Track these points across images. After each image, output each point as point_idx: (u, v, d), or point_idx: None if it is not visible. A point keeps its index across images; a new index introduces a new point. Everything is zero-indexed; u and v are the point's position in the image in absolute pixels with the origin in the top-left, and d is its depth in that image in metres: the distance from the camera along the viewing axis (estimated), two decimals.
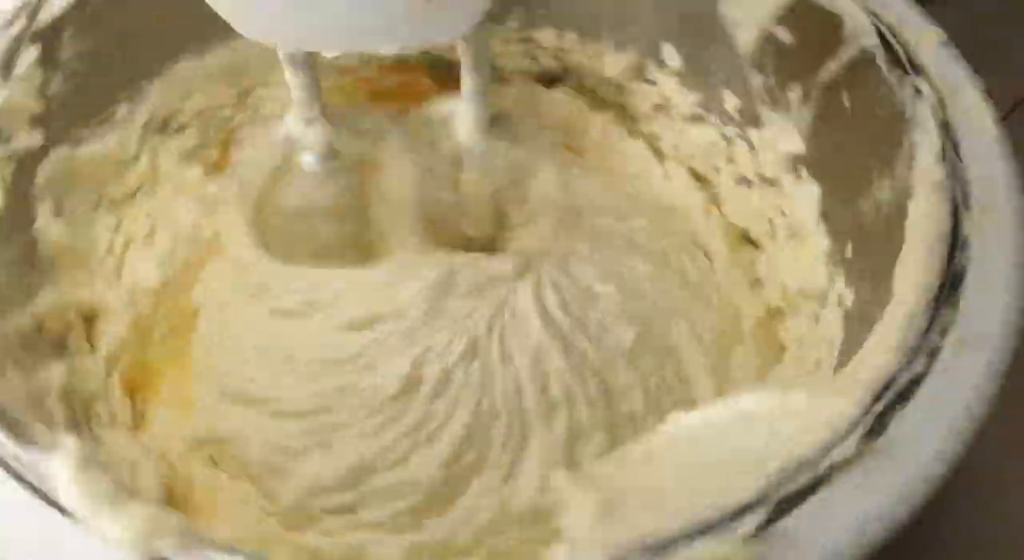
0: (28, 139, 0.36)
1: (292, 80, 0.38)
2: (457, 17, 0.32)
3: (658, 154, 0.47)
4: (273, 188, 0.42)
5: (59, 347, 0.36)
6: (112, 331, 0.38)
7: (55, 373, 0.34)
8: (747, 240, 0.44)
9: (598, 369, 0.39)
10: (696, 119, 0.45)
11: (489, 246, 0.44)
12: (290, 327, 0.40)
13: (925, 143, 0.32)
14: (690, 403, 0.39)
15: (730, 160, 0.44)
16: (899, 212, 0.33)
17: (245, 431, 0.38)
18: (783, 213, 0.42)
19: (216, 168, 0.45)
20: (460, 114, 0.40)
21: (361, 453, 0.37)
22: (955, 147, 0.32)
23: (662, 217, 0.45)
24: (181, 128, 0.44)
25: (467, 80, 0.38)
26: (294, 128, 0.40)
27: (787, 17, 0.38)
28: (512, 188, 0.43)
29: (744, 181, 0.44)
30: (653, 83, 0.45)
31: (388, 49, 0.33)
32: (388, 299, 0.40)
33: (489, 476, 0.37)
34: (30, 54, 0.36)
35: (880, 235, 0.34)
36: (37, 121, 0.37)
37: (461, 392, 0.38)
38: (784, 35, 0.38)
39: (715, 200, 0.45)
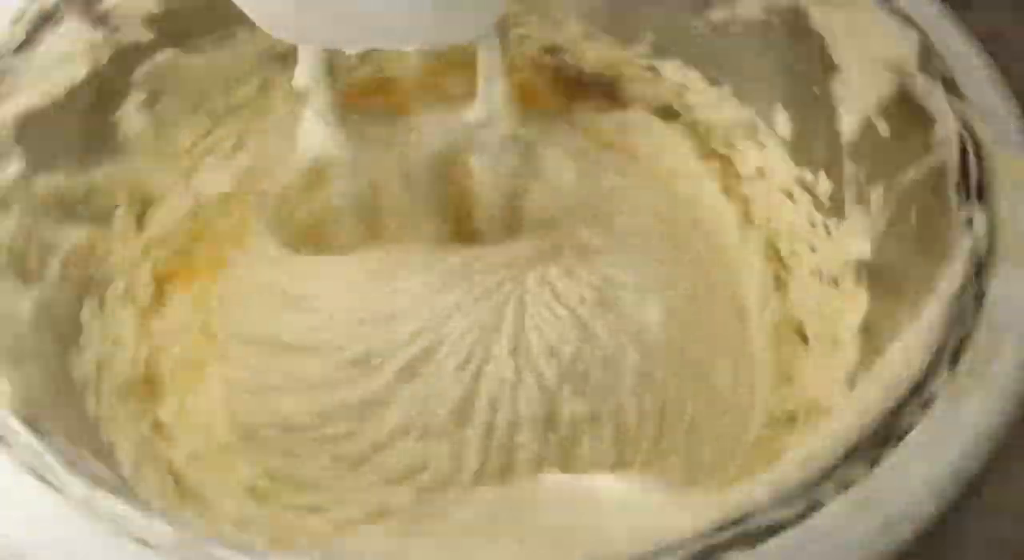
0: (137, 34, 0.38)
1: (311, 76, 0.39)
2: (474, 19, 0.33)
3: (748, 219, 0.44)
4: (291, 185, 0.42)
5: (99, 219, 0.38)
6: (162, 221, 0.40)
7: (77, 234, 0.36)
8: (798, 334, 0.41)
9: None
10: (790, 195, 0.43)
11: (503, 243, 0.43)
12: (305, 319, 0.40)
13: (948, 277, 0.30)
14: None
15: (812, 249, 0.42)
16: None
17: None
18: (829, 316, 0.39)
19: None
20: (475, 114, 0.40)
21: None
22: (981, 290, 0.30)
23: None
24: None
25: (482, 80, 0.38)
26: (310, 125, 0.41)
27: (890, 109, 0.35)
28: (526, 186, 0.43)
29: (817, 273, 0.42)
30: (763, 146, 0.43)
31: (407, 48, 0.34)
32: (395, 296, 0.40)
33: None
34: None
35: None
36: (152, 21, 0.39)
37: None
38: (883, 127, 0.36)
39: (782, 286, 0.43)
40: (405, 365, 0.38)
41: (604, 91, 0.47)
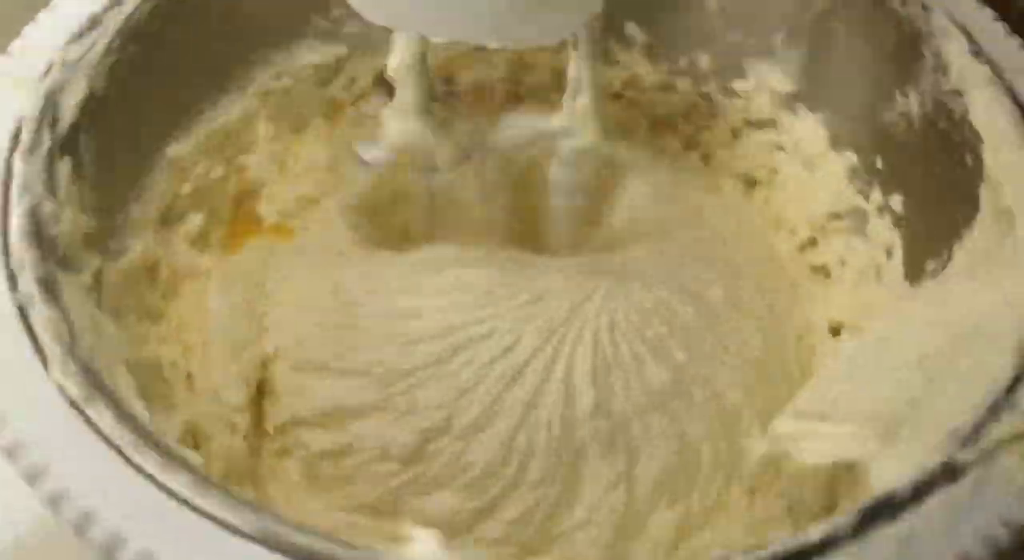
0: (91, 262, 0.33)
1: (401, 67, 0.39)
2: (563, 19, 0.33)
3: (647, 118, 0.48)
4: (368, 181, 0.42)
5: None
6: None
7: None
8: (753, 182, 0.47)
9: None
10: (668, 88, 0.47)
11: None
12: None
13: (955, 49, 0.36)
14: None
15: (713, 115, 0.47)
16: (946, 116, 0.37)
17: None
18: (784, 149, 0.45)
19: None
20: (559, 120, 0.40)
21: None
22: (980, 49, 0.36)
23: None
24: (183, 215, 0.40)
25: (570, 88, 0.39)
26: (393, 121, 0.40)
27: None
28: (601, 200, 0.43)
29: (736, 132, 0.46)
30: (617, 63, 0.47)
31: (493, 43, 0.34)
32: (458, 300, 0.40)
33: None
34: (64, 167, 0.32)
35: (919, 142, 0.39)
36: (90, 240, 0.33)
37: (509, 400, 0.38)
38: None
39: (708, 159, 0.48)
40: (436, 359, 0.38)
41: None
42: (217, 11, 0.40)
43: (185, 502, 0.25)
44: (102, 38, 0.34)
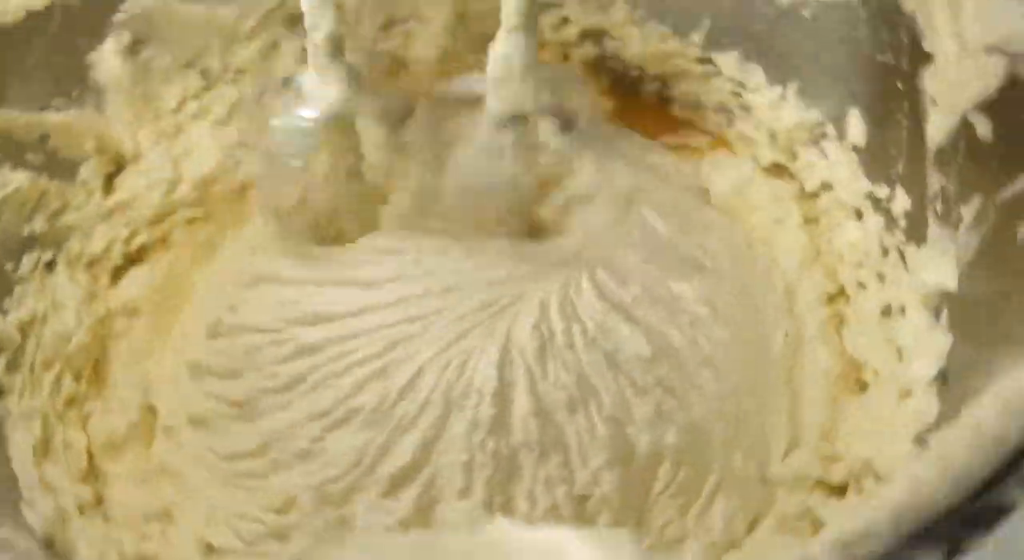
0: None
1: (311, 21, 0.34)
2: None
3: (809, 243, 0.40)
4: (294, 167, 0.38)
5: (55, 168, 0.36)
6: (134, 186, 0.38)
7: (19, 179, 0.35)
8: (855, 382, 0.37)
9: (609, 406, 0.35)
10: (859, 214, 0.38)
11: (531, 234, 0.40)
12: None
13: None
14: None
15: (881, 279, 0.37)
16: None
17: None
18: (900, 357, 0.35)
19: None
20: (489, 76, 0.35)
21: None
22: None
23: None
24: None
25: (500, 37, 0.34)
26: (309, 84, 0.36)
27: (994, 106, 0.30)
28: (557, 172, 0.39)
29: (885, 309, 0.36)
30: (826, 156, 0.39)
31: None
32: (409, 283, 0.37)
33: None
34: None
35: None
36: None
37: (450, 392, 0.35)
38: (984, 129, 0.30)
39: (840, 322, 0.39)
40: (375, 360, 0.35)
41: (656, 90, 0.44)
42: None
43: None
44: None
